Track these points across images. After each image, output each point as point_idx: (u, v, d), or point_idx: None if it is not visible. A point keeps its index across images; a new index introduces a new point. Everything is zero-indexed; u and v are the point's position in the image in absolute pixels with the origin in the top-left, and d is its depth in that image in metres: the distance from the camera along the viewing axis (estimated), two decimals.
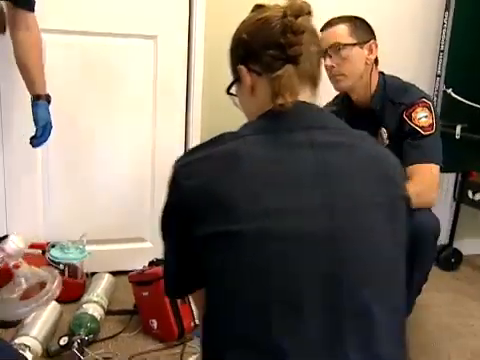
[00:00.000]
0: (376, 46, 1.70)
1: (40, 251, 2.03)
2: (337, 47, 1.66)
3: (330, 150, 0.82)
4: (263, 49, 0.85)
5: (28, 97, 1.71)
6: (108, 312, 1.88)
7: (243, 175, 0.78)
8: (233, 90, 0.94)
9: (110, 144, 2.11)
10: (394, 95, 1.71)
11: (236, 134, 0.84)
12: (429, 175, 1.62)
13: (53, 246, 2.04)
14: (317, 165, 0.80)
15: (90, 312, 1.75)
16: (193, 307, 1.79)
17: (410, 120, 1.66)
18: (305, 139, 0.82)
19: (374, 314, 0.78)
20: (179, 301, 1.76)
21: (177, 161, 0.84)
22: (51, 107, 1.76)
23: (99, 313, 1.78)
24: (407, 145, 1.64)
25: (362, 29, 1.68)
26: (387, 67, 1.79)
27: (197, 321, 1.78)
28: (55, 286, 1.70)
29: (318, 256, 0.76)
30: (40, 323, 1.67)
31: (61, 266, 1.96)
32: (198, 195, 0.78)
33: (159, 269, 1.75)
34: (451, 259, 2.51)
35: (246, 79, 0.89)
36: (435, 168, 1.63)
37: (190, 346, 1.72)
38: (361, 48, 1.68)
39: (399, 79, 1.77)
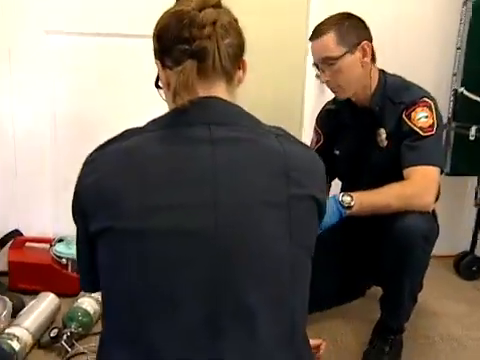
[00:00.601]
0: (369, 45, 1.61)
1: (47, 246, 2.10)
2: (327, 62, 1.60)
3: (227, 146, 0.81)
4: (173, 44, 0.85)
5: (37, 93, 1.73)
6: None
7: (133, 172, 0.79)
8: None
9: None
10: (394, 94, 1.65)
11: (139, 130, 0.85)
12: (425, 178, 1.55)
13: (60, 240, 2.11)
14: (211, 161, 0.79)
15: (84, 306, 1.79)
16: None
17: (409, 120, 1.60)
18: (203, 134, 0.81)
19: (256, 315, 0.76)
20: None
21: (88, 156, 0.86)
22: (62, 101, 1.76)
23: (93, 308, 1.82)
24: (404, 147, 1.59)
25: (351, 32, 1.59)
26: (402, 65, 1.72)
27: None
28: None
29: (199, 253, 0.76)
30: (35, 314, 1.74)
31: (63, 261, 2.02)
32: (90, 192, 0.81)
33: None
34: (472, 267, 2.40)
35: (162, 74, 0.90)
36: (433, 171, 1.56)
37: None
38: (352, 54, 1.60)
39: (400, 77, 1.71)
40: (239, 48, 0.89)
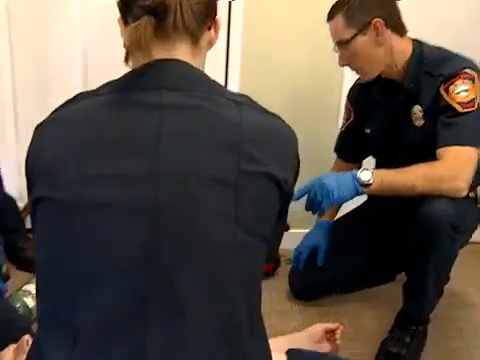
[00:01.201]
0: (381, 22, 1.47)
1: None
2: (341, 46, 1.51)
3: (176, 113, 0.75)
4: (133, 0, 0.78)
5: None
6: None
7: (75, 139, 0.75)
8: None
9: None
10: (433, 66, 1.50)
11: (92, 93, 0.80)
12: (459, 159, 1.42)
13: None
14: (156, 129, 0.74)
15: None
16: None
17: (447, 94, 1.46)
18: (154, 100, 0.76)
19: (187, 300, 0.71)
20: None
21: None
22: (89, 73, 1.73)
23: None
24: (439, 124, 1.46)
25: (359, 11, 1.47)
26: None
27: None
28: None
29: (131, 228, 0.71)
30: None
31: None
32: (33, 159, 0.78)
33: None
34: None
35: (123, 33, 0.83)
36: (469, 152, 1.43)
37: None
38: (364, 34, 1.48)
39: (441, 48, 1.55)
40: (207, 5, 0.81)
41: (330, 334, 1.48)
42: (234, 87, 2.10)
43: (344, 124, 1.79)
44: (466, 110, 1.44)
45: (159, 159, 0.72)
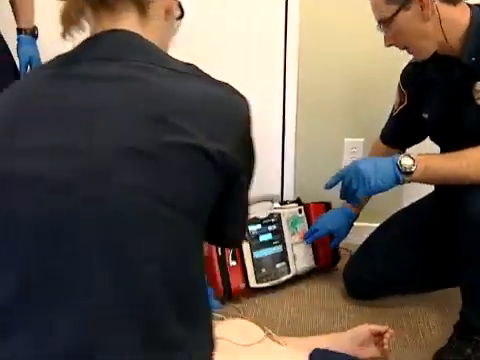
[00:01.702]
0: None
1: None
2: (383, 24, 1.35)
3: (110, 85, 0.74)
4: None
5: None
6: None
7: (6, 112, 0.76)
8: None
9: None
10: None
11: (40, 67, 0.83)
12: None
13: None
14: (87, 101, 0.73)
15: None
16: (248, 269, 1.71)
17: None
18: (87, 72, 0.75)
19: (94, 278, 0.67)
20: (230, 261, 1.70)
21: None
22: None
23: None
24: None
25: None
26: None
27: (252, 284, 1.71)
28: None
29: (42, 201, 0.69)
30: None
31: None
32: None
33: None
34: None
35: None
36: None
37: (236, 308, 1.66)
38: (407, 9, 1.30)
39: None
40: None
41: (378, 338, 1.36)
42: (293, 70, 2.02)
43: (395, 109, 1.63)
44: None
45: (83, 132, 0.71)
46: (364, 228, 1.84)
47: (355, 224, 1.84)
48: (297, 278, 1.81)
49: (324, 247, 1.84)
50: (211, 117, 0.75)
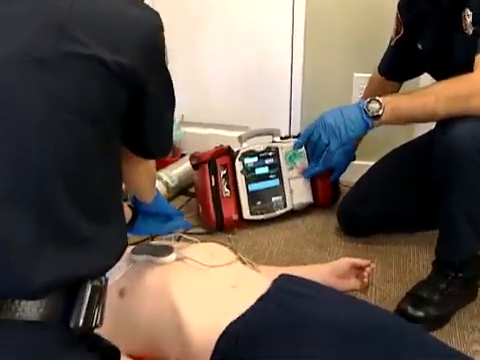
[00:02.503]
0: None
1: None
2: None
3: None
4: None
5: None
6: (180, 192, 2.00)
7: None
8: None
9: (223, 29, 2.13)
10: None
11: None
12: None
13: None
14: None
15: None
16: (242, 201, 1.76)
17: None
18: None
19: None
20: (224, 192, 1.75)
21: None
22: None
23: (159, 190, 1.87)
24: None
25: None
26: None
27: (245, 216, 1.76)
28: None
29: None
30: None
31: None
32: None
33: (205, 153, 1.76)
34: None
35: None
36: None
37: (227, 238, 1.71)
38: None
39: None
40: None
41: (360, 271, 1.39)
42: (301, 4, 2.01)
43: (393, 39, 1.63)
44: None
45: None
46: (366, 167, 1.81)
47: (357, 162, 1.86)
48: (294, 213, 1.85)
49: (323, 183, 1.86)
50: (112, 27, 0.80)
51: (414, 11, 1.50)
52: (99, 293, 0.81)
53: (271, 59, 2.10)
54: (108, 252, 0.84)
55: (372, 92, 1.61)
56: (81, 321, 0.78)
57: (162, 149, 1.03)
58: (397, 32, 1.59)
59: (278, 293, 1.12)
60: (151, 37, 0.84)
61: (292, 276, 1.24)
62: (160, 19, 0.85)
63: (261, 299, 1.09)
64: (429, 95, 1.26)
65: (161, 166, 2.03)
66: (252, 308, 1.08)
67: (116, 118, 0.83)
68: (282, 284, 1.17)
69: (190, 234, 1.64)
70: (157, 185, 1.85)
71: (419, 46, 1.50)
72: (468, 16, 1.31)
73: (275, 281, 1.18)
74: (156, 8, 0.87)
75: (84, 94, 0.77)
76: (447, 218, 1.31)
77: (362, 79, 1.98)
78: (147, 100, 0.86)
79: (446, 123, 1.24)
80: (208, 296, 1.13)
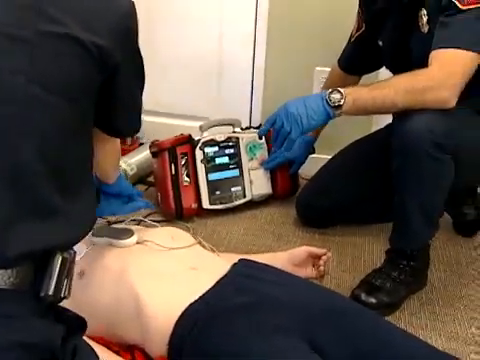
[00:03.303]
0: None
1: None
2: None
3: None
4: None
5: None
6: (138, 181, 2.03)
7: None
8: None
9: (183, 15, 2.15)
10: None
11: None
12: (447, 65, 1.30)
13: None
14: None
15: None
16: (201, 190, 1.81)
17: None
18: None
19: None
20: (184, 180, 1.80)
21: None
22: None
23: None
24: (438, 24, 1.33)
25: None
26: None
27: (205, 205, 1.81)
28: None
29: None
30: None
31: None
32: None
33: (165, 141, 1.80)
34: None
35: None
36: (464, 55, 1.29)
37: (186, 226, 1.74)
38: None
39: None
40: None
41: (316, 260, 1.45)
42: None
43: (353, 36, 1.71)
44: (468, 6, 1.29)
45: None
46: (325, 160, 1.88)
47: (316, 155, 1.93)
48: (253, 204, 1.91)
49: (283, 175, 1.92)
50: (87, 9, 0.85)
51: (375, 9, 1.57)
52: (68, 265, 0.86)
53: (233, 49, 2.15)
54: (78, 225, 0.89)
55: (332, 85, 1.65)
56: (51, 290, 0.82)
57: (132, 128, 1.10)
58: (358, 28, 1.67)
59: (237, 276, 1.17)
60: (126, 20, 0.90)
61: (252, 261, 1.30)
62: (133, 3, 0.90)
63: (220, 282, 1.14)
64: (388, 87, 1.33)
65: None
66: (211, 290, 1.13)
67: (91, 98, 0.88)
68: (242, 268, 1.23)
69: (148, 222, 1.70)
70: None
71: (380, 43, 1.58)
72: (424, 16, 1.40)
73: (235, 265, 1.23)
74: None
75: (62, 72, 0.82)
76: (401, 208, 1.39)
77: (323, 73, 2.05)
78: (120, 82, 0.91)
79: (404, 115, 1.31)
80: (168, 278, 1.16)
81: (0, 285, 0.78)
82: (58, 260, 0.84)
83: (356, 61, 1.74)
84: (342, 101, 1.37)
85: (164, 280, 1.16)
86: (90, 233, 1.27)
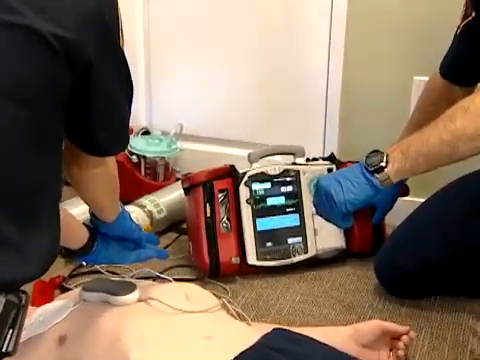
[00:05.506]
0: None
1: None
2: None
3: None
4: None
5: None
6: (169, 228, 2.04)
7: None
8: None
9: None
10: None
11: None
12: None
13: (146, 133, 2.28)
14: None
15: None
16: (247, 240, 1.77)
17: None
18: None
19: None
20: (223, 226, 1.76)
21: None
22: None
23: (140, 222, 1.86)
24: None
25: None
26: None
27: (250, 261, 1.77)
28: None
29: None
30: None
31: (134, 158, 2.14)
32: None
33: (200, 173, 1.78)
34: None
35: None
36: None
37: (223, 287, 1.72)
38: None
39: None
40: None
41: (395, 341, 1.38)
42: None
43: (459, 26, 1.63)
44: None
45: None
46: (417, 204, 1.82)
47: (409, 198, 1.86)
48: (318, 261, 1.85)
49: (362, 224, 1.83)
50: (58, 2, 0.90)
51: None
52: (15, 311, 0.88)
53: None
54: (31, 261, 0.90)
55: (428, 100, 1.67)
56: None
57: (115, 143, 1.10)
58: (466, 16, 1.60)
59: (265, 350, 1.12)
60: (99, 12, 0.94)
61: (290, 331, 1.25)
62: None
63: (239, 356, 1.09)
64: (436, 131, 1.36)
65: (146, 191, 2.07)
66: None
67: (57, 104, 0.92)
68: (273, 339, 1.17)
69: (176, 280, 1.67)
70: (138, 215, 1.88)
71: None
72: None
73: (265, 335, 1.18)
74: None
75: (14, 70, 0.86)
76: None
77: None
78: (95, 83, 0.95)
79: None
80: (173, 348, 1.13)
81: None
82: (0, 304, 0.85)
83: (462, 62, 1.66)
84: (383, 160, 1.41)
85: (168, 351, 1.13)
86: (81, 287, 1.28)
